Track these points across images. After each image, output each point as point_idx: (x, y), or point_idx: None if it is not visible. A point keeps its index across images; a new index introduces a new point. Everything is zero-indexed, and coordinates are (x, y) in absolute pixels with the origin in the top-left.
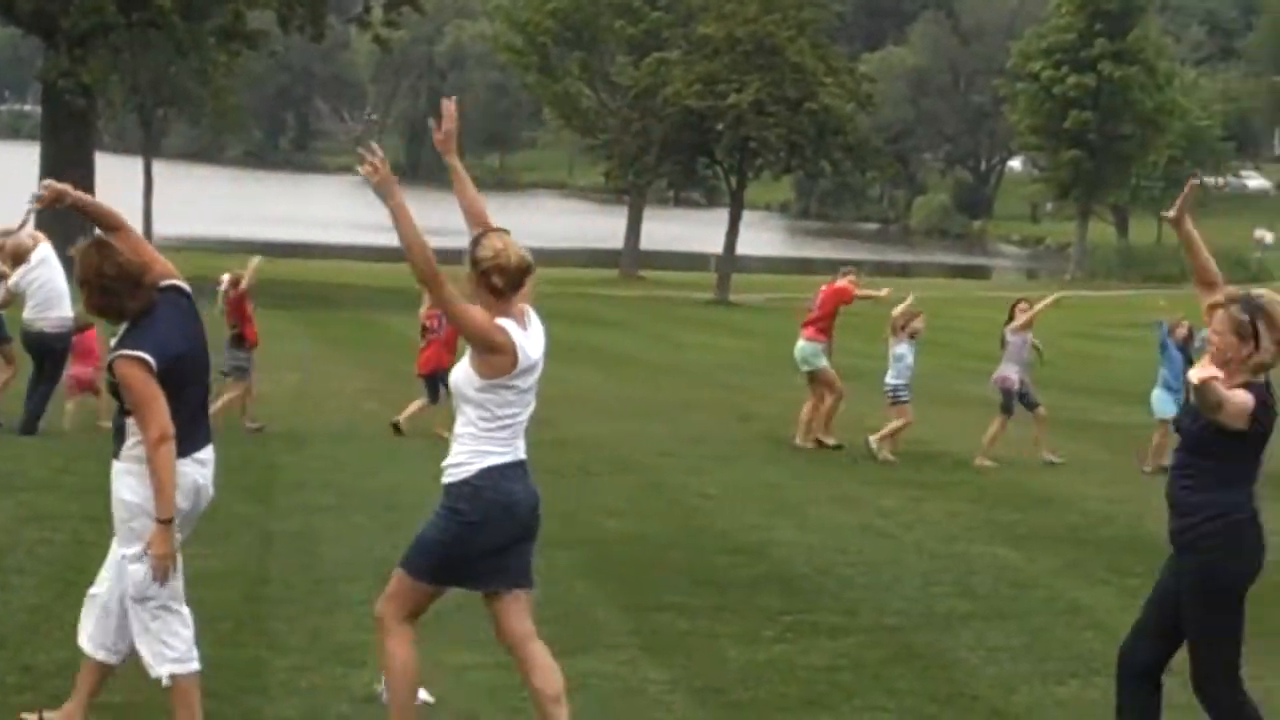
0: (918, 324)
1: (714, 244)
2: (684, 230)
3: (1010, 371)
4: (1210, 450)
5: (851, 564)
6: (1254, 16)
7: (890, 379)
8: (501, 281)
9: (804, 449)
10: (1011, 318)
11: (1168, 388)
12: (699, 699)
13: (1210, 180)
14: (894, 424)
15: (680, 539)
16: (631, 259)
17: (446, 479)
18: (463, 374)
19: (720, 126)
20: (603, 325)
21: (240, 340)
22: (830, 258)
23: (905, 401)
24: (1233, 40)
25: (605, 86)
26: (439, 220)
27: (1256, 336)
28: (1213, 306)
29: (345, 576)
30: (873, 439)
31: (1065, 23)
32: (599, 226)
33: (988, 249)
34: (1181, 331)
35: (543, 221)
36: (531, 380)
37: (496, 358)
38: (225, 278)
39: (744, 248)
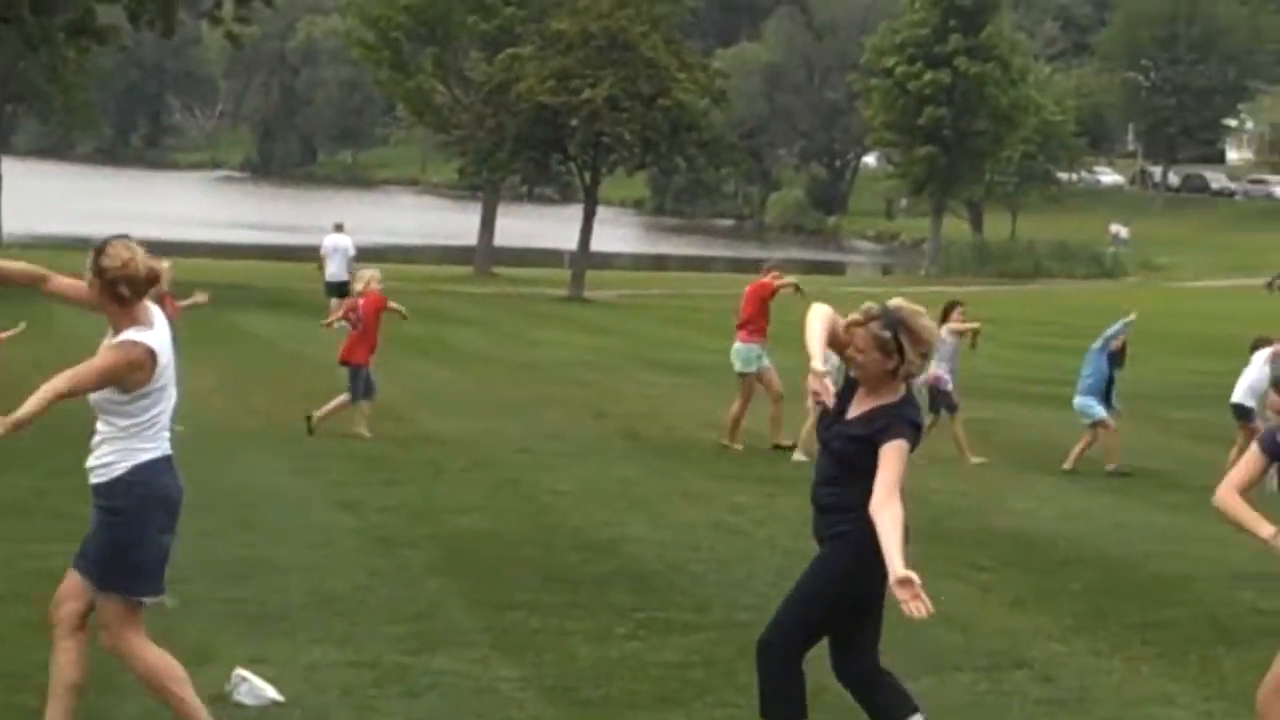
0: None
1: (568, 240)
2: (538, 227)
3: (942, 370)
4: (861, 466)
5: (703, 560)
6: (1107, 12)
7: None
8: (129, 291)
9: (733, 449)
10: (946, 318)
11: (1089, 393)
12: (550, 697)
13: (1064, 176)
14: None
15: (533, 536)
16: (485, 256)
17: (96, 479)
18: (103, 392)
19: (574, 122)
20: (456, 322)
21: None
22: (685, 254)
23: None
24: (1086, 36)
25: (458, 82)
26: (290, 217)
27: (901, 350)
28: (851, 325)
29: (193, 575)
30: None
31: (919, 18)
32: (452, 223)
33: (842, 245)
34: (1117, 344)
35: (396, 218)
36: (170, 374)
37: (138, 375)
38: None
39: (598, 244)
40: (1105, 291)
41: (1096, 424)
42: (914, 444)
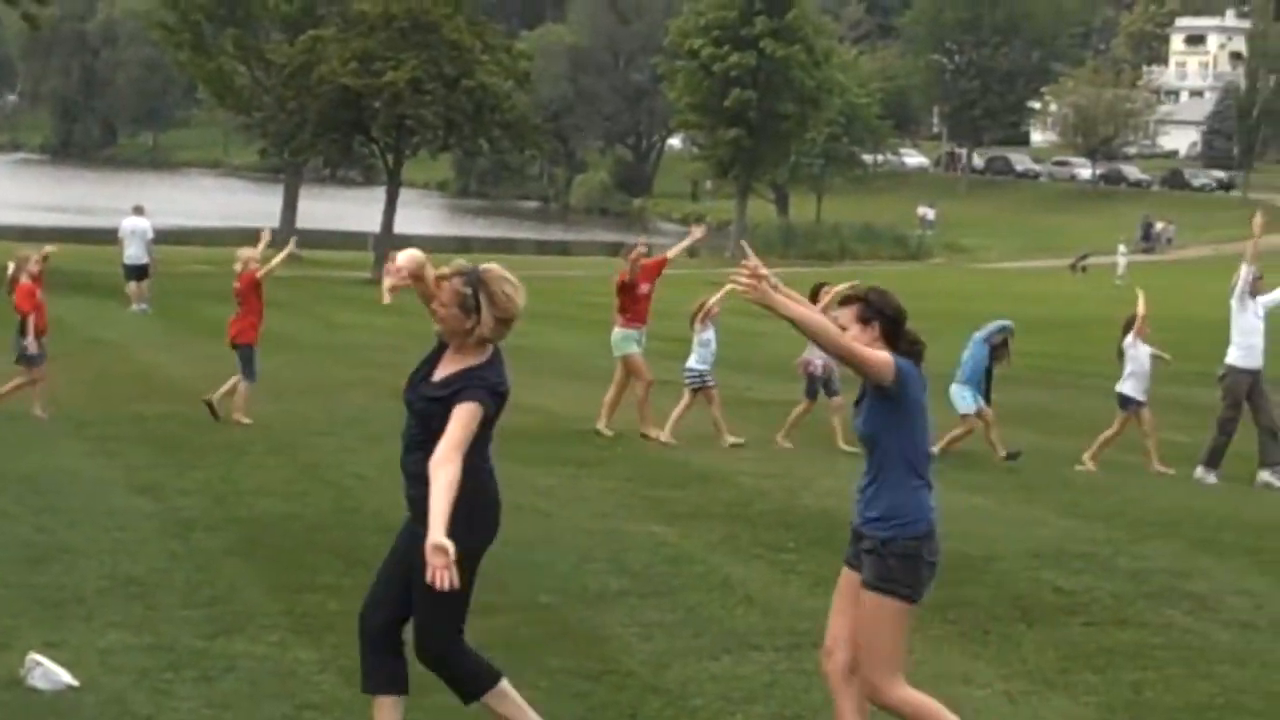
0: (716, 310)
1: (372, 223)
2: (342, 209)
3: (814, 355)
4: (440, 428)
5: (506, 542)
6: None
7: (693, 363)
8: None
9: (604, 434)
10: (815, 298)
11: (964, 382)
12: (348, 679)
13: (869, 158)
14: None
15: (333, 519)
16: (287, 238)
17: None
18: None
19: (376, 104)
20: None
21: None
22: (489, 236)
23: (711, 386)
24: (890, 18)
25: (260, 64)
26: (89, 200)
27: (478, 309)
28: (439, 278)
29: None
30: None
31: (725, 0)
32: (255, 205)
33: (648, 227)
34: (998, 339)
35: (197, 200)
36: None
37: None
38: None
39: (402, 226)
40: (911, 273)
41: (964, 416)
42: (490, 410)
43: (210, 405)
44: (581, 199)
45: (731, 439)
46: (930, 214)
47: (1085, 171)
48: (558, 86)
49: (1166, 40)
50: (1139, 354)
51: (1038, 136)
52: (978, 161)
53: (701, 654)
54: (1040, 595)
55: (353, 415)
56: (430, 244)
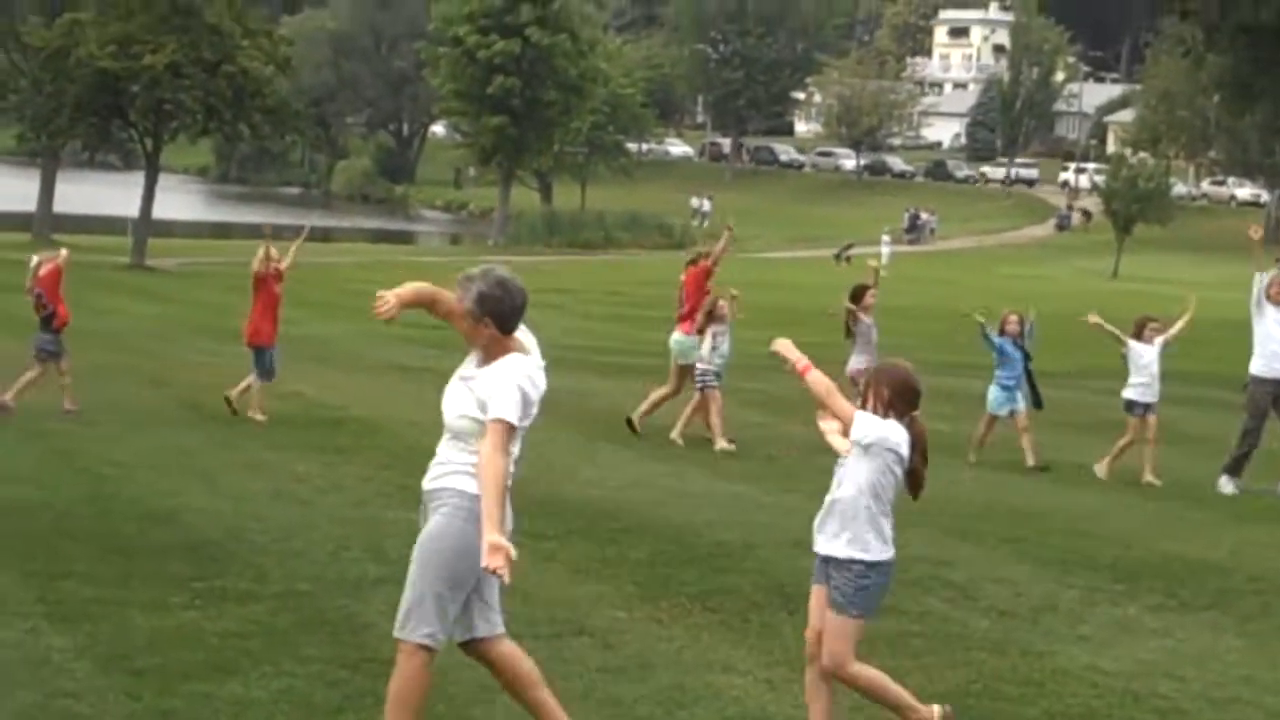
0: (723, 308)
1: (131, 208)
2: (100, 193)
3: (861, 364)
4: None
5: (264, 530)
6: None
7: (702, 365)
8: None
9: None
10: (859, 302)
11: (1003, 386)
12: (103, 666)
13: (634, 147)
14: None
15: (88, 506)
16: (45, 222)
17: None
18: None
19: (135, 89)
20: (13, 290)
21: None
22: (250, 222)
23: (714, 388)
24: (655, 7)
25: (16, 47)
26: None
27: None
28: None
29: None
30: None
31: None
32: (11, 189)
33: (411, 214)
34: (1012, 327)
35: None
36: None
37: None
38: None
39: (161, 211)
40: (676, 262)
41: (997, 416)
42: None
43: (229, 401)
44: (344, 185)
45: (724, 445)
46: (706, 205)
47: (850, 162)
48: (320, 72)
49: (930, 32)
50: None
51: (802, 127)
52: (743, 151)
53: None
54: (801, 583)
55: (110, 402)
56: (190, 229)
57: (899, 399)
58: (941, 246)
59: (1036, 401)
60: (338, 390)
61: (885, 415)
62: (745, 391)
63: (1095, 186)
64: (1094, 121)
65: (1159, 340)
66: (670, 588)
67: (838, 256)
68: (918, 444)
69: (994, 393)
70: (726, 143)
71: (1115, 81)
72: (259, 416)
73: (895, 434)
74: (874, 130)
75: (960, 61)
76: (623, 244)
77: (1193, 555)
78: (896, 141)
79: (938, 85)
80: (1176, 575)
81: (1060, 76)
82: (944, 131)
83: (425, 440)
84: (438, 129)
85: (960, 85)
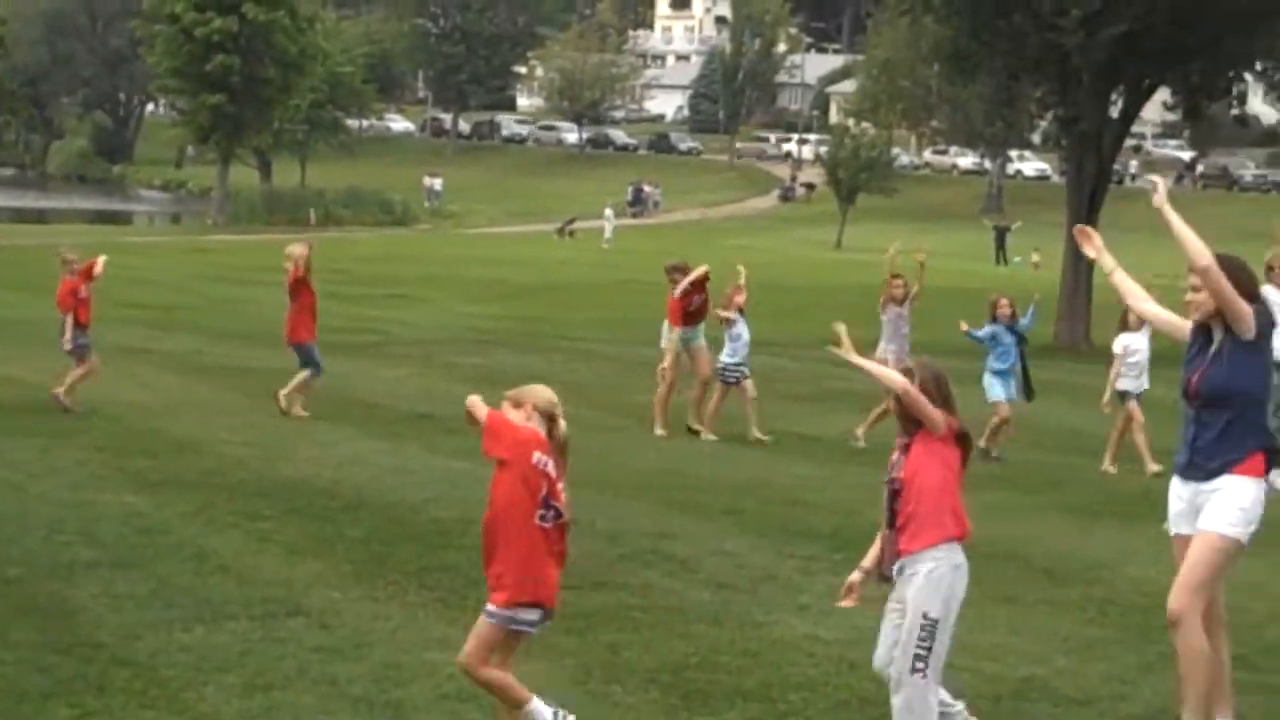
0: (740, 298)
1: None
2: None
3: (890, 354)
4: None
5: None
6: None
7: (724, 358)
8: None
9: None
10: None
11: (995, 373)
12: None
13: (354, 123)
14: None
15: None
16: None
17: None
18: None
19: None
20: None
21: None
22: None
23: (736, 381)
24: None
25: None
26: None
27: None
28: None
29: None
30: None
31: None
32: None
33: (129, 194)
34: (1004, 310)
35: None
36: None
37: None
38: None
39: None
40: (398, 239)
41: (1000, 402)
42: None
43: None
44: (60, 166)
45: (758, 434)
46: (437, 184)
47: (572, 136)
48: (34, 51)
49: (652, 4)
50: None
51: (524, 101)
52: (464, 126)
53: (173, 625)
54: None
55: None
56: None
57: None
58: (665, 219)
59: (1027, 392)
60: (54, 373)
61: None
62: (461, 367)
63: (818, 157)
64: (816, 92)
65: (1146, 329)
66: (387, 566)
67: (560, 230)
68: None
69: (988, 380)
70: (448, 118)
71: (837, 52)
72: (301, 412)
73: None
74: (596, 104)
75: (682, 33)
76: (344, 221)
77: None
78: (619, 114)
79: (660, 58)
80: None
81: (782, 48)
82: (667, 104)
83: (144, 422)
84: (155, 107)
85: (683, 57)
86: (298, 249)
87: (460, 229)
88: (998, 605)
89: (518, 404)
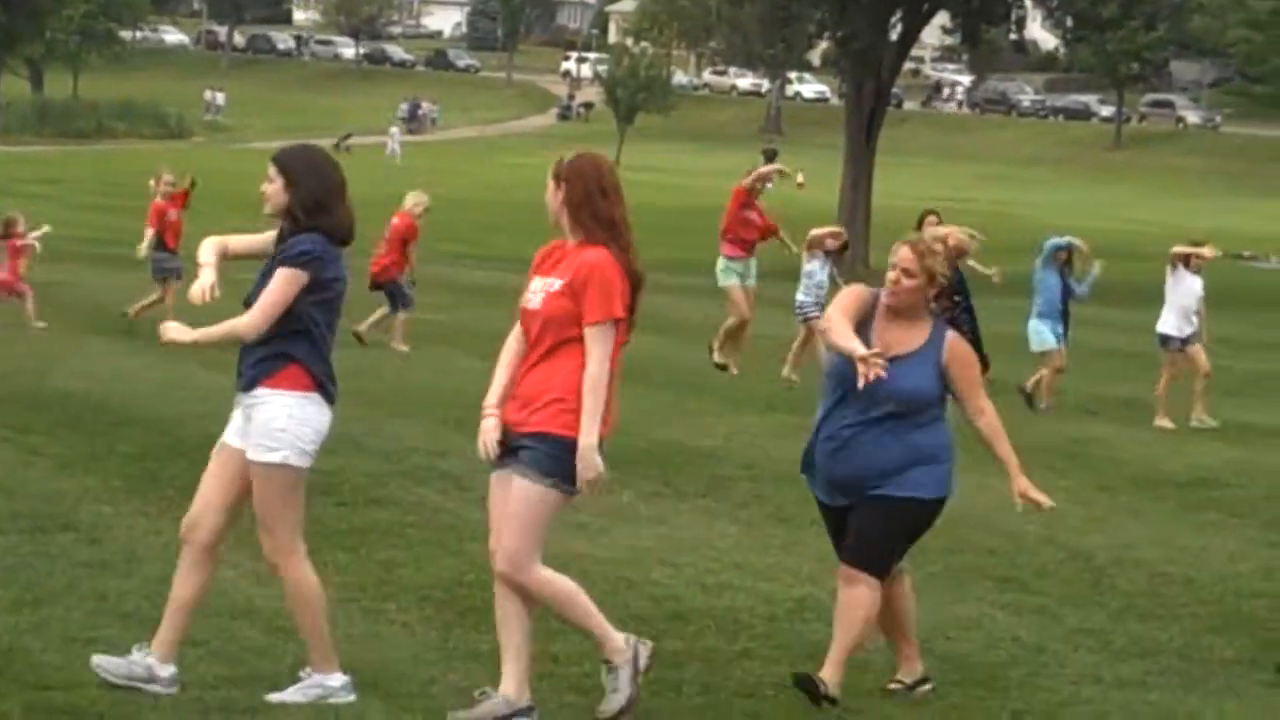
0: (831, 242)
1: None
2: None
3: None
4: None
5: None
6: None
7: (800, 295)
8: None
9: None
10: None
11: (1040, 315)
12: None
13: (128, 35)
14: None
15: None
16: None
17: None
18: None
19: None
20: None
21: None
22: None
23: (815, 318)
24: None
25: None
26: None
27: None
28: None
29: None
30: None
31: None
32: None
33: None
34: (1061, 256)
35: None
36: None
37: None
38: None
39: None
40: (172, 152)
41: (1044, 354)
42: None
43: (358, 335)
44: None
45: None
46: (220, 98)
47: (349, 51)
48: None
49: None
50: (1186, 285)
51: (300, 15)
52: (239, 39)
53: None
54: None
55: None
56: None
57: None
58: (443, 136)
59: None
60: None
61: None
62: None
63: (597, 76)
64: (596, 11)
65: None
66: (159, 481)
67: (336, 146)
68: None
69: (1034, 325)
70: (223, 31)
71: None
72: (403, 347)
73: None
74: (373, 19)
75: None
76: (117, 134)
77: (689, 443)
78: (396, 30)
79: None
80: (672, 463)
81: None
82: (445, 20)
83: None
84: None
85: None
86: (414, 197)
87: (233, 144)
88: (774, 526)
89: None
